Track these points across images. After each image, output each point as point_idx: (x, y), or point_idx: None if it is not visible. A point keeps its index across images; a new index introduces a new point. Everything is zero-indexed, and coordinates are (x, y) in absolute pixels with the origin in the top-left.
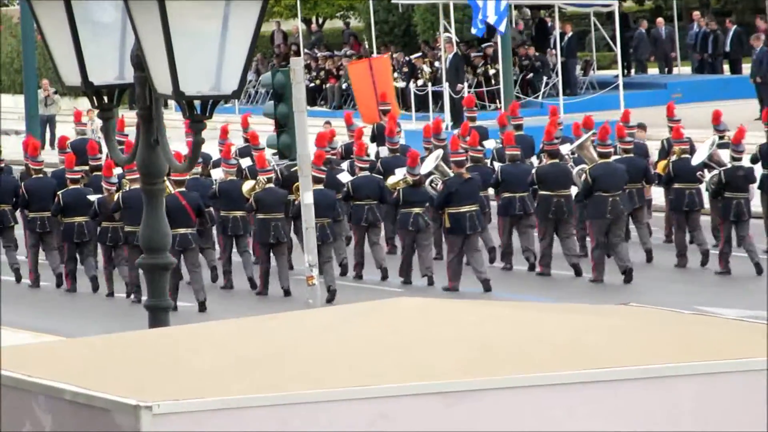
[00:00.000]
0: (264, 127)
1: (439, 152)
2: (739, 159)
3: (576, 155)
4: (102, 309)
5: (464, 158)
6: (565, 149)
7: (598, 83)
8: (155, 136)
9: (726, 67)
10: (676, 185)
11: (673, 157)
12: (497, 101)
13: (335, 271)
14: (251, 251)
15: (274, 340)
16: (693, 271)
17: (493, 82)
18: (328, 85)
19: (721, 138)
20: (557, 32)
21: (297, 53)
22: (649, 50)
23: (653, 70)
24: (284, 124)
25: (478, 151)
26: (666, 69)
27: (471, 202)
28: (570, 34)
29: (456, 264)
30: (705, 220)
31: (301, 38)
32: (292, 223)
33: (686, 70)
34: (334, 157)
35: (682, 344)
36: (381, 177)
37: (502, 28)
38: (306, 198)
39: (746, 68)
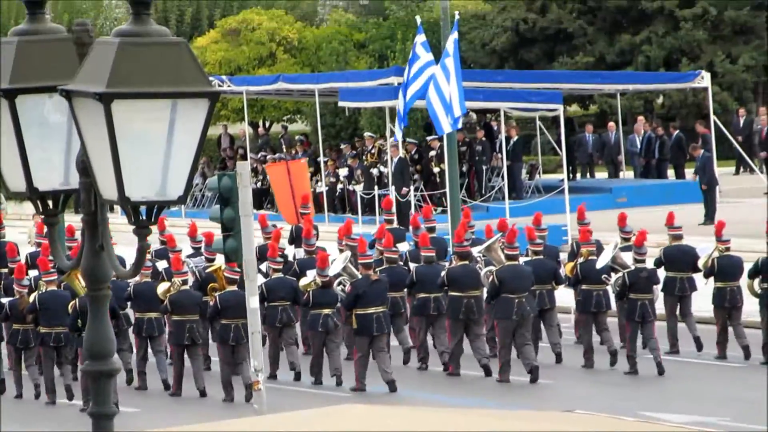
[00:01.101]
0: (184, 230)
1: (347, 254)
2: (642, 261)
3: (485, 257)
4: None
5: (371, 260)
6: (474, 251)
7: (544, 187)
8: (100, 241)
9: (670, 172)
10: (584, 287)
11: (581, 259)
12: (444, 204)
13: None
14: (167, 352)
15: None
16: (631, 374)
17: (438, 181)
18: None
19: (626, 240)
20: (503, 136)
21: (244, 157)
22: (588, 154)
23: (602, 174)
24: (231, 228)
25: (393, 252)
26: (614, 173)
27: (379, 304)
28: (516, 138)
29: (362, 365)
30: (612, 322)
31: (247, 141)
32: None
33: (631, 174)
34: None
35: None
36: (294, 278)
37: (457, 124)
38: (252, 302)
39: (689, 173)
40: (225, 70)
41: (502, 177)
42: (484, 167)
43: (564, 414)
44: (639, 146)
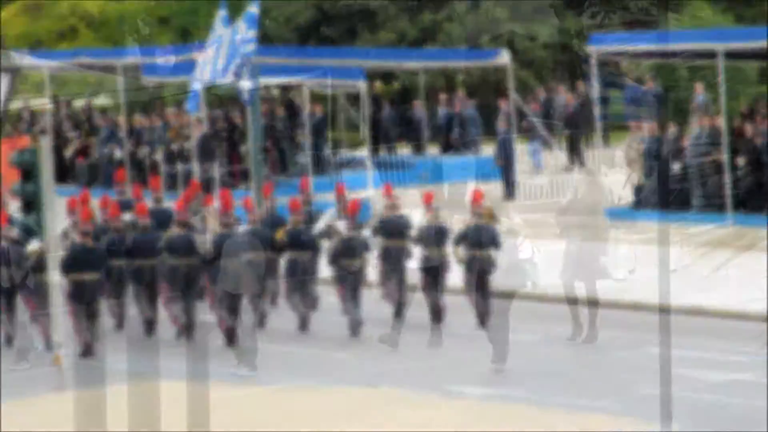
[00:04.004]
0: None
1: (70, 222)
2: (352, 228)
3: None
4: None
5: (90, 228)
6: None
7: (347, 163)
8: None
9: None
10: (290, 254)
11: (289, 227)
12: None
13: None
14: None
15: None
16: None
17: (243, 161)
18: (78, 162)
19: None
20: (306, 112)
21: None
22: (397, 131)
23: (405, 151)
24: (32, 203)
25: (117, 221)
26: (419, 150)
27: (92, 270)
28: (319, 114)
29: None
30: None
31: (49, 116)
32: None
33: (437, 150)
34: None
35: None
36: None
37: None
38: (53, 278)
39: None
40: (25, 44)
41: (306, 153)
42: (285, 144)
43: (373, 389)
44: (442, 123)
